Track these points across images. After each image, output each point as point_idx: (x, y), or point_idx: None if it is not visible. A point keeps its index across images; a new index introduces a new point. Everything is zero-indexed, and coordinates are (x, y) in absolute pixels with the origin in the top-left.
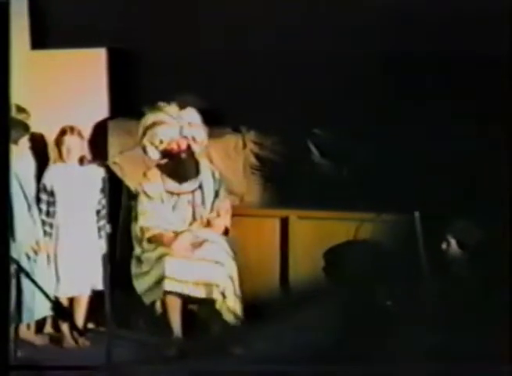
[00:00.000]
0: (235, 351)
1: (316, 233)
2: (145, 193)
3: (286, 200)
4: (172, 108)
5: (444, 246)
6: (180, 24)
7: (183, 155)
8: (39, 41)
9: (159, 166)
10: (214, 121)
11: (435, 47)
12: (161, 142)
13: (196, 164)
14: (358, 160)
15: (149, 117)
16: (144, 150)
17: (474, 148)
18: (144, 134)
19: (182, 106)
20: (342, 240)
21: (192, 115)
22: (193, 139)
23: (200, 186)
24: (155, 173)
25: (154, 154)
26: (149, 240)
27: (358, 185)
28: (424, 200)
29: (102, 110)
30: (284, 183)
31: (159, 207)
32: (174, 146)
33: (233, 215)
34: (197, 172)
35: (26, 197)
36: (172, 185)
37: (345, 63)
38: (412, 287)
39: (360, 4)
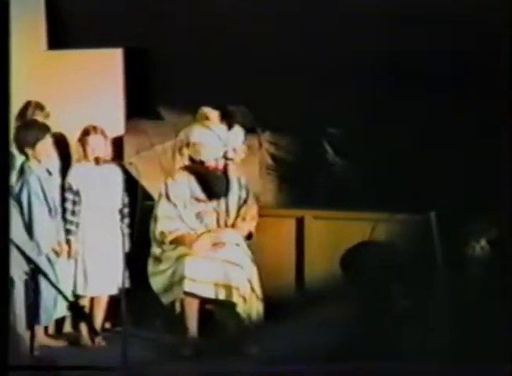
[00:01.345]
0: (250, 351)
1: (332, 234)
2: (167, 196)
3: (302, 200)
4: (221, 127)
5: (463, 246)
6: (196, 24)
7: (218, 173)
8: (55, 41)
9: (192, 171)
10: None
11: (448, 47)
12: (201, 160)
13: (228, 180)
14: (374, 159)
15: (197, 132)
16: (180, 152)
17: (488, 147)
18: (188, 146)
19: (230, 125)
20: (358, 241)
21: (238, 136)
22: (232, 160)
23: (226, 195)
24: (183, 176)
25: (189, 163)
26: (171, 242)
27: (373, 185)
28: (440, 199)
29: (118, 110)
30: (300, 183)
31: (181, 213)
32: (212, 164)
33: None
34: (227, 190)
35: (46, 199)
36: (200, 192)
37: (359, 62)
38: (427, 287)
39: (372, 4)
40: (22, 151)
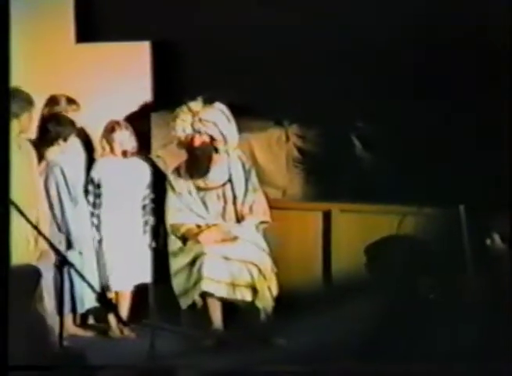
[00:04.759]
0: (276, 344)
1: (359, 227)
2: (172, 186)
3: (329, 193)
4: (196, 102)
5: (487, 241)
6: (223, 18)
7: (198, 151)
8: (84, 34)
9: (185, 161)
10: (256, 114)
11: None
12: (178, 138)
13: (211, 160)
14: (401, 152)
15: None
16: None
17: None
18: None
19: (206, 102)
20: (385, 234)
21: (211, 113)
22: (211, 137)
23: (230, 180)
24: (181, 164)
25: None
26: (182, 237)
27: (401, 178)
28: (467, 193)
29: (145, 103)
30: (327, 176)
31: (188, 202)
32: (188, 141)
33: (275, 208)
34: (208, 169)
35: (69, 191)
36: (199, 179)
37: (388, 55)
38: (456, 281)
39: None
40: (55, 143)
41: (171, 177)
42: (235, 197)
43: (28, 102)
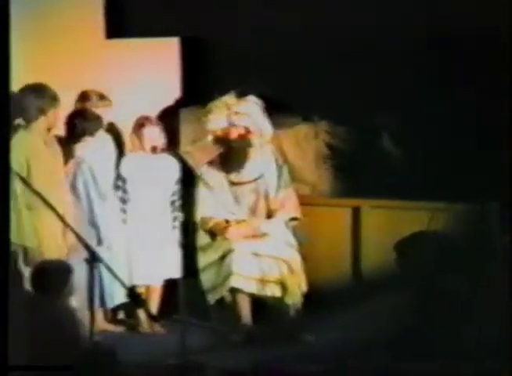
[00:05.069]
0: (305, 340)
1: (388, 223)
2: (204, 181)
3: (358, 189)
4: (229, 95)
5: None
6: (252, 13)
7: (234, 144)
8: (114, 30)
9: (219, 155)
10: (285, 110)
11: None
12: (213, 131)
13: (247, 154)
14: (431, 148)
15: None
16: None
17: None
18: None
19: (239, 96)
20: (415, 230)
21: (246, 105)
22: (247, 129)
23: (263, 175)
24: (215, 158)
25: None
26: (210, 231)
27: (430, 174)
28: (498, 190)
29: (175, 99)
30: (356, 172)
31: (219, 197)
32: (224, 135)
33: (304, 205)
34: (244, 163)
35: (97, 187)
36: (232, 174)
37: (418, 51)
38: (484, 278)
39: None
40: (82, 139)
41: (204, 171)
42: (267, 193)
43: (53, 98)
